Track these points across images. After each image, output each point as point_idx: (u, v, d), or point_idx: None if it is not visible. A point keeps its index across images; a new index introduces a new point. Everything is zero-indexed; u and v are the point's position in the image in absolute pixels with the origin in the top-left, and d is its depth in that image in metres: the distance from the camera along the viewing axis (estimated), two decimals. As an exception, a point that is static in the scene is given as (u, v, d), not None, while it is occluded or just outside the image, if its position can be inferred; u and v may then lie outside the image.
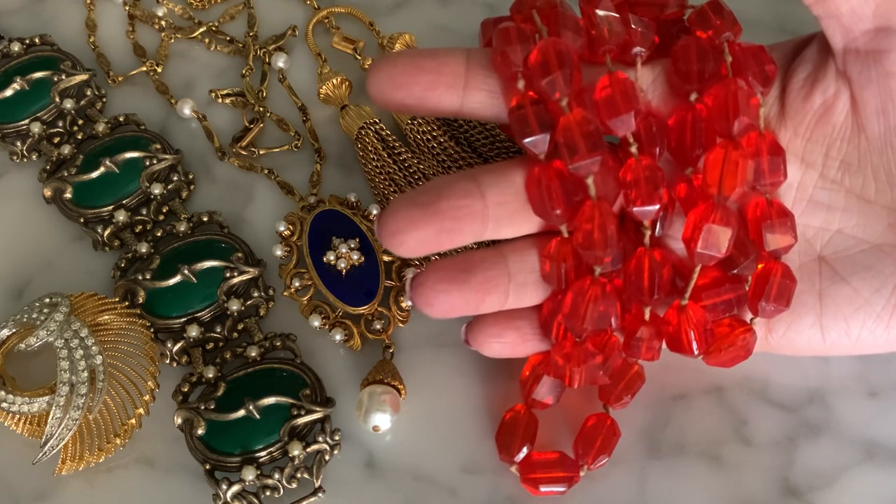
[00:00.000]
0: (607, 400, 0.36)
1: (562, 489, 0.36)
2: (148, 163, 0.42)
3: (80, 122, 0.43)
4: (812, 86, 0.34)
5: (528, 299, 0.35)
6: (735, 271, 0.35)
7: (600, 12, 0.34)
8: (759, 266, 0.35)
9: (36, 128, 0.43)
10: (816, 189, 0.35)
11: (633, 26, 0.34)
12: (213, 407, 0.36)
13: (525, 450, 0.36)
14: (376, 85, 0.33)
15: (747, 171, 0.33)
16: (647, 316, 0.35)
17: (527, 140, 0.32)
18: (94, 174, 0.41)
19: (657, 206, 0.33)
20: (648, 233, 0.34)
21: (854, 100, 0.34)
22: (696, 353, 0.35)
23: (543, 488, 0.36)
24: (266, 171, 0.43)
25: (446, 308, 0.34)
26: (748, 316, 0.36)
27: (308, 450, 0.36)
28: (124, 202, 0.41)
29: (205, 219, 0.41)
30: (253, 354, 0.38)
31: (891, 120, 0.33)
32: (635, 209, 0.33)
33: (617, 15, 0.34)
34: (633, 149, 0.33)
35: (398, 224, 0.32)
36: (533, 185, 0.33)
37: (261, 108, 0.44)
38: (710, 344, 0.35)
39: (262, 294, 0.40)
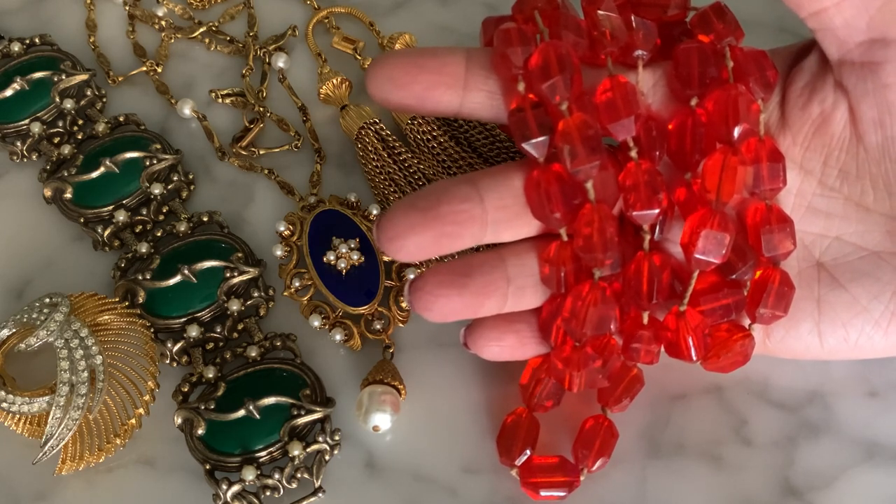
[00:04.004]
0: (606, 402, 0.36)
1: (562, 494, 0.36)
2: (148, 163, 0.42)
3: (80, 122, 0.43)
4: (810, 95, 0.34)
5: (527, 302, 0.35)
6: (734, 276, 0.35)
7: (602, 13, 0.34)
8: (758, 272, 0.35)
9: (36, 128, 0.43)
10: (815, 196, 0.35)
11: (635, 28, 0.34)
12: (213, 407, 0.36)
13: (526, 453, 0.36)
14: (376, 83, 0.33)
15: (746, 177, 0.33)
16: (645, 320, 0.35)
17: (526, 143, 0.32)
18: (94, 174, 0.41)
19: (656, 211, 0.33)
20: (648, 237, 0.34)
21: (852, 110, 0.34)
22: (694, 359, 0.35)
23: (544, 493, 0.36)
24: (266, 171, 0.43)
25: (445, 312, 0.34)
26: (746, 321, 0.36)
27: (308, 450, 0.36)
28: (124, 202, 0.41)
29: (205, 219, 0.41)
30: (253, 354, 0.38)
31: (888, 130, 0.33)
32: (634, 213, 0.33)
33: (619, 16, 0.34)
34: (633, 153, 0.33)
35: (397, 229, 0.32)
36: (532, 188, 0.33)
37: (261, 108, 0.44)
38: (709, 350, 0.35)
39: (262, 294, 0.40)
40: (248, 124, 0.44)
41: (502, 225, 0.34)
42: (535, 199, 0.33)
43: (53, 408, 0.36)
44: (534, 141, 0.32)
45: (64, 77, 0.44)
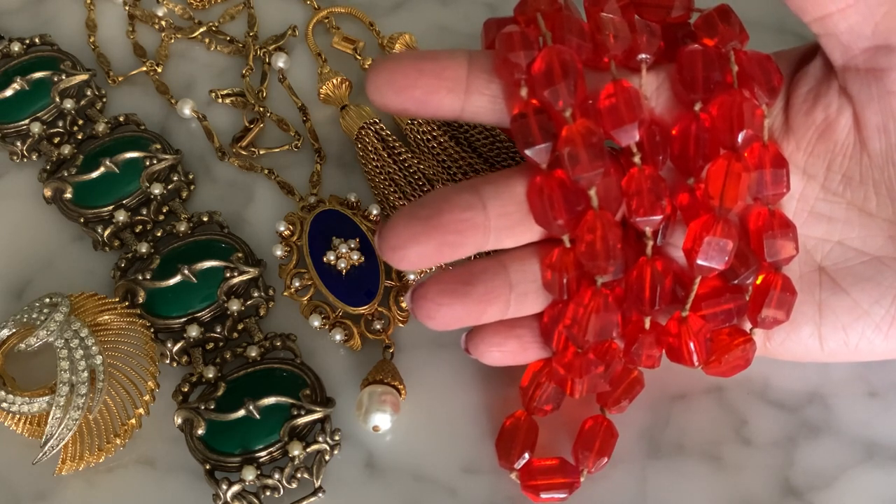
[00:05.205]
0: (605, 403, 0.36)
1: (562, 496, 0.36)
2: (148, 163, 0.42)
3: (80, 122, 0.43)
4: (814, 101, 0.34)
5: (529, 308, 0.35)
6: (736, 281, 0.34)
7: (605, 15, 0.33)
8: (760, 277, 0.35)
9: (36, 128, 0.43)
10: (818, 201, 0.35)
11: (638, 31, 0.33)
12: (213, 407, 0.36)
13: (525, 456, 0.36)
14: (376, 88, 0.33)
15: (750, 183, 0.33)
16: (647, 325, 0.35)
17: (529, 150, 0.32)
18: (94, 174, 0.41)
19: (659, 217, 0.33)
20: (651, 243, 0.34)
21: (856, 117, 0.33)
22: (696, 364, 0.35)
23: (544, 495, 0.35)
24: (266, 171, 0.43)
25: (448, 321, 0.34)
26: (748, 325, 0.35)
27: (308, 450, 0.36)
28: (124, 202, 0.41)
29: (205, 219, 0.41)
30: (253, 354, 0.38)
31: (892, 137, 0.33)
32: (638, 219, 0.33)
33: (622, 19, 0.33)
34: (637, 158, 0.33)
35: (399, 239, 0.32)
36: (535, 194, 0.33)
37: (261, 108, 0.44)
38: (710, 354, 0.35)
39: (262, 294, 0.40)
40: (248, 124, 0.44)
41: (504, 232, 0.33)
42: (537, 205, 0.33)
43: (53, 408, 0.36)
44: (537, 147, 0.32)
45: (64, 77, 0.44)
